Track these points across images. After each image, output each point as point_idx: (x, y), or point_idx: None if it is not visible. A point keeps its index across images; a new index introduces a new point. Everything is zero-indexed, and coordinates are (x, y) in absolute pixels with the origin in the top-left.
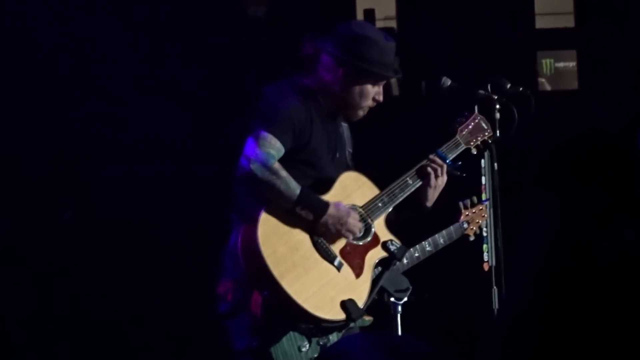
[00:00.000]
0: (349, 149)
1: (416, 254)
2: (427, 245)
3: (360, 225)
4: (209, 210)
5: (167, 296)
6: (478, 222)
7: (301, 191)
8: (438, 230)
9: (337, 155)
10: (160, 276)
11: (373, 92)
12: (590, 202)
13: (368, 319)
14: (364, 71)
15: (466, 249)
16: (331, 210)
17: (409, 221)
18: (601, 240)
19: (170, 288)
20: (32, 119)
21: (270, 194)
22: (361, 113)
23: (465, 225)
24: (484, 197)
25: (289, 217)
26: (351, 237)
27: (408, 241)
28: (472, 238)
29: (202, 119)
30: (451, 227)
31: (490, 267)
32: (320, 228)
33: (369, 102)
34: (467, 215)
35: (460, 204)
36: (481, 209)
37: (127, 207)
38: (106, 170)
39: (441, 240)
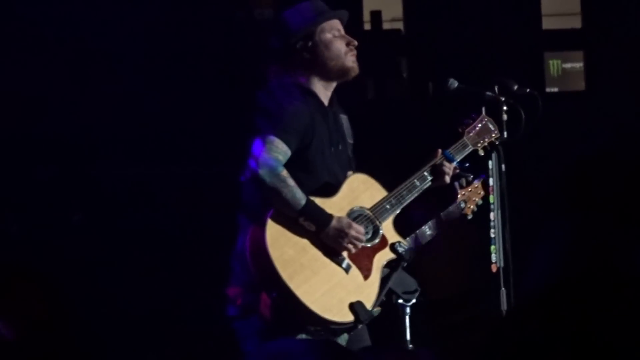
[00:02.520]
0: (349, 141)
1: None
2: (427, 230)
3: (362, 237)
4: (218, 210)
5: (175, 298)
6: (475, 200)
7: (306, 202)
8: (437, 212)
9: (340, 147)
10: (168, 277)
11: (339, 41)
12: (606, 228)
13: (376, 309)
14: (309, 29)
15: (474, 248)
16: (333, 223)
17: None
18: (615, 269)
19: (178, 289)
20: (40, 121)
21: (275, 201)
22: (349, 63)
23: (463, 205)
24: (492, 193)
25: (296, 219)
26: (353, 250)
27: (408, 227)
28: (470, 217)
29: (211, 120)
30: (450, 208)
31: (498, 269)
32: (323, 239)
33: (342, 49)
34: (464, 194)
35: (456, 183)
36: (477, 187)
37: (135, 208)
38: (114, 171)
39: None
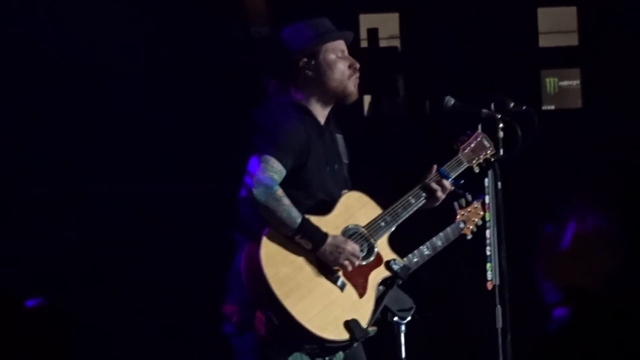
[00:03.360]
0: (345, 160)
1: (415, 259)
2: (425, 249)
3: (358, 254)
4: (215, 228)
5: (171, 315)
6: (474, 221)
7: (302, 221)
8: (435, 233)
9: (336, 166)
10: (165, 294)
11: (341, 62)
12: None
13: (372, 329)
14: (314, 48)
15: (470, 267)
16: (329, 241)
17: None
18: None
19: (174, 307)
20: (34, 138)
21: (270, 220)
22: (351, 88)
23: (462, 225)
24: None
25: (292, 237)
26: (350, 267)
27: (406, 246)
28: (469, 237)
29: (208, 137)
30: (448, 229)
31: (494, 286)
32: (319, 257)
33: (345, 71)
34: (463, 215)
35: (455, 204)
36: (476, 207)
37: (132, 225)
38: (110, 189)
39: (439, 243)
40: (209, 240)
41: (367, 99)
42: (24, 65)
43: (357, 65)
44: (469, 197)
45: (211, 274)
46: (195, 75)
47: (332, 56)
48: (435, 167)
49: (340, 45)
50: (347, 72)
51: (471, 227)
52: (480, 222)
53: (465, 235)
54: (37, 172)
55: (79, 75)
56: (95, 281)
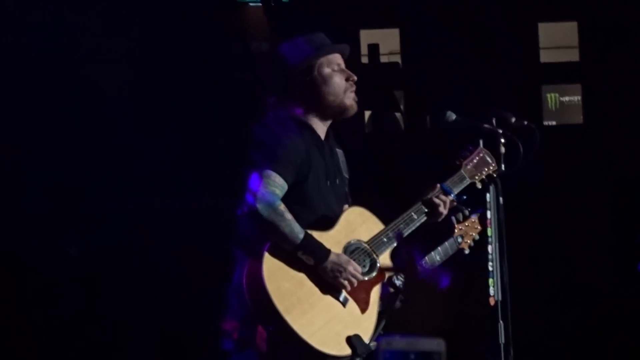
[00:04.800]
0: (345, 175)
1: None
2: (423, 264)
3: (359, 275)
4: (214, 244)
5: (171, 332)
6: (472, 235)
7: (304, 236)
8: (433, 247)
9: (337, 181)
10: (165, 311)
11: (338, 76)
12: None
13: (373, 344)
14: (309, 63)
15: (473, 283)
16: (331, 258)
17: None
18: None
19: (174, 324)
20: (33, 154)
21: (273, 235)
22: (349, 102)
23: (460, 240)
24: (489, 228)
25: (294, 253)
26: (349, 287)
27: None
28: (466, 251)
29: (206, 153)
30: (446, 243)
31: (496, 302)
32: (320, 273)
33: (342, 84)
34: (461, 229)
35: (453, 218)
36: (474, 222)
37: (132, 241)
38: (111, 205)
39: (437, 258)
40: (208, 256)
41: (367, 114)
42: (22, 81)
43: (355, 78)
44: (467, 211)
45: (210, 291)
46: (195, 91)
47: (327, 70)
48: (438, 185)
49: (336, 59)
50: (344, 85)
51: (469, 241)
52: (477, 237)
53: (462, 249)
54: (36, 189)
55: (78, 93)
56: (95, 297)
